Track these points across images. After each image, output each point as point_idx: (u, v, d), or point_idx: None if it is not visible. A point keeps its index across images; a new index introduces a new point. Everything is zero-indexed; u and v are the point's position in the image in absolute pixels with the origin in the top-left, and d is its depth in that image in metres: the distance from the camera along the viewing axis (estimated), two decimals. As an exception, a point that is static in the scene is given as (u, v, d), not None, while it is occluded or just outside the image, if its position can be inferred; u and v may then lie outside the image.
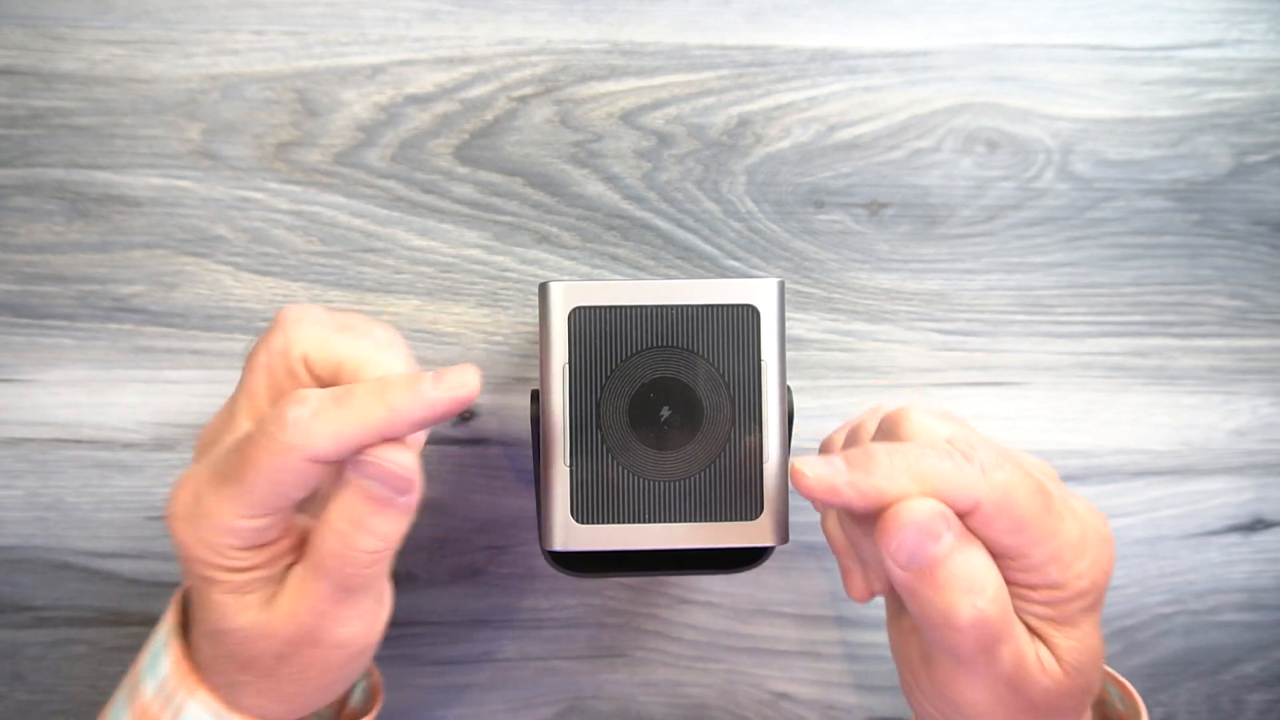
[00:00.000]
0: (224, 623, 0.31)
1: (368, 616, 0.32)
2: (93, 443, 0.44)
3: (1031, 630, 0.32)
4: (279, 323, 0.33)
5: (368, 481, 0.30)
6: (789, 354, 0.46)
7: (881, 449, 0.30)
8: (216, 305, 0.44)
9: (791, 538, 0.38)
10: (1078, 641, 0.32)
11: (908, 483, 0.30)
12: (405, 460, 0.30)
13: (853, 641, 0.47)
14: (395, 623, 0.46)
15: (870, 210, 0.46)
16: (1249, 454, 0.47)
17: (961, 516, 0.30)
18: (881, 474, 0.30)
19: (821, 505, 0.33)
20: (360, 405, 0.29)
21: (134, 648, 0.44)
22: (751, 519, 0.37)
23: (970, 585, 0.29)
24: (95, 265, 0.44)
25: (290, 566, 0.32)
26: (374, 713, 0.39)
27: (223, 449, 0.31)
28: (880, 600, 0.36)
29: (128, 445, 0.44)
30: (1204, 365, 0.47)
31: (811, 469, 0.30)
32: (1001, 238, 0.46)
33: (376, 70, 0.45)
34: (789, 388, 0.39)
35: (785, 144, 0.46)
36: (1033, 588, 0.31)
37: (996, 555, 0.30)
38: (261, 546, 0.31)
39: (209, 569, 0.31)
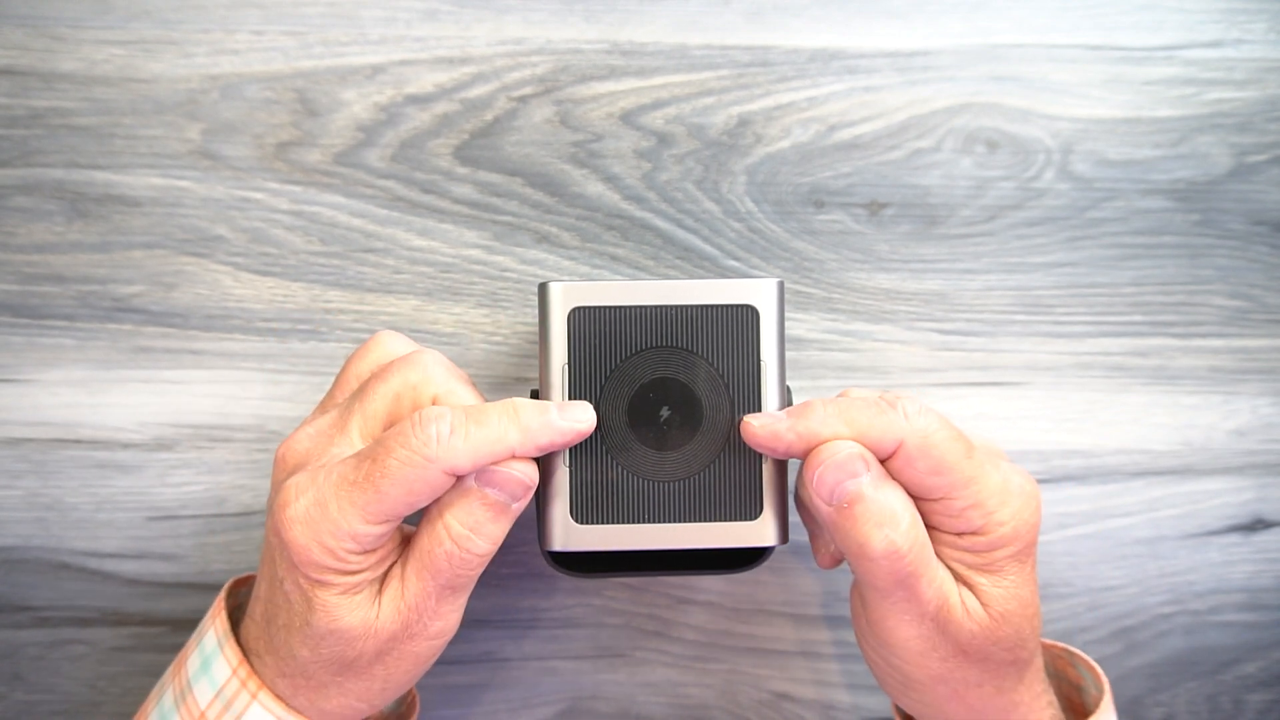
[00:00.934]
0: (333, 624, 0.33)
1: (459, 610, 0.35)
2: (92, 443, 0.44)
3: (959, 577, 0.35)
4: (415, 362, 0.35)
5: (491, 490, 0.33)
6: (789, 354, 0.46)
7: (818, 401, 0.35)
8: (216, 305, 0.44)
9: (791, 538, 0.38)
10: (1004, 590, 0.35)
11: (839, 425, 0.34)
12: (529, 470, 0.34)
13: (853, 642, 0.47)
14: (395, 623, 0.46)
15: (870, 210, 0.46)
16: (1249, 454, 0.47)
17: (887, 459, 0.34)
18: (816, 418, 0.34)
19: (769, 453, 0.36)
20: (497, 425, 0.33)
21: (133, 648, 0.44)
22: (751, 519, 0.37)
23: (883, 519, 0.33)
24: (95, 265, 0.44)
25: (390, 567, 0.34)
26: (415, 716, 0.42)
27: (349, 460, 0.33)
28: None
29: (127, 445, 0.44)
30: (1204, 365, 0.47)
31: (758, 420, 0.35)
32: (1001, 238, 0.46)
33: (376, 70, 0.45)
34: (789, 388, 0.39)
35: (785, 144, 0.46)
36: (958, 534, 0.34)
37: (920, 498, 0.34)
38: (374, 550, 0.33)
39: (324, 572, 0.33)
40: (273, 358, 0.45)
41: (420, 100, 0.45)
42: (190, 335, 0.44)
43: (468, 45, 0.45)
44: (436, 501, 0.34)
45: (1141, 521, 0.47)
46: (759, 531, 0.37)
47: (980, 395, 0.47)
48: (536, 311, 0.43)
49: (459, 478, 0.33)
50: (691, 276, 0.46)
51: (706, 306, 0.36)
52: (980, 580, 0.35)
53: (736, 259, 0.46)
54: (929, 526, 0.35)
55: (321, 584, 0.33)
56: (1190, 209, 0.47)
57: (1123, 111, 0.47)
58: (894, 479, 0.34)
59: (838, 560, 0.39)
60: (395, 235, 0.45)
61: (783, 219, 0.46)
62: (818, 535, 0.40)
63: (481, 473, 0.33)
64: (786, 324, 0.46)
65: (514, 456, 0.33)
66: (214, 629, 0.36)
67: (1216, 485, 0.47)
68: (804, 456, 0.35)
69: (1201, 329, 0.47)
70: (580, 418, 0.35)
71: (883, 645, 0.36)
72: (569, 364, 0.36)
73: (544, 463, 0.37)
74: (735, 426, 0.36)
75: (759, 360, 0.37)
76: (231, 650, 0.35)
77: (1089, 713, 0.38)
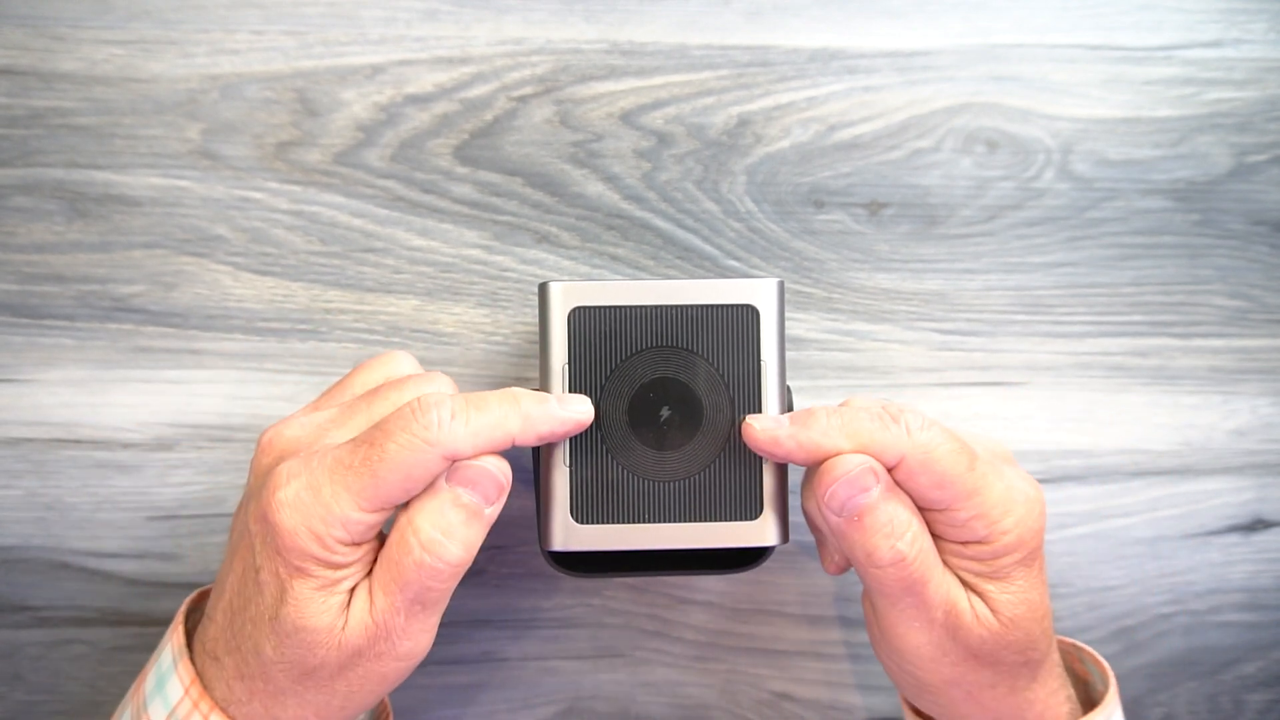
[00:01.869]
0: (301, 619, 0.32)
1: (430, 631, 0.34)
2: (92, 443, 0.44)
3: (968, 585, 0.35)
4: (433, 379, 0.36)
5: (462, 490, 0.32)
6: (789, 354, 0.46)
7: (821, 410, 0.35)
8: (216, 305, 0.44)
9: (791, 538, 0.38)
10: (1013, 595, 0.35)
11: (840, 439, 0.34)
12: (503, 467, 0.33)
13: (853, 641, 0.47)
14: (395, 623, 0.46)
15: (870, 210, 0.46)
16: (1249, 454, 0.47)
17: (889, 471, 0.34)
18: (818, 429, 0.34)
19: (768, 457, 0.36)
20: (497, 411, 0.33)
21: (133, 648, 0.44)
22: (751, 519, 0.37)
23: (891, 530, 0.33)
24: (95, 265, 0.44)
25: (361, 581, 0.33)
26: None
27: (345, 445, 0.32)
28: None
29: (127, 445, 0.44)
30: (1204, 365, 0.47)
31: (759, 423, 0.35)
32: (1001, 238, 0.46)
33: (376, 70, 0.45)
34: (789, 388, 0.39)
35: (785, 144, 0.46)
36: (963, 543, 0.35)
37: (925, 509, 0.35)
38: (360, 544, 0.32)
39: (307, 560, 0.31)
40: (273, 358, 0.45)
41: (420, 100, 0.45)
42: (190, 335, 0.44)
43: (468, 45, 0.45)
44: (404, 508, 0.33)
45: (1141, 521, 0.47)
46: (759, 531, 0.37)
47: (980, 395, 0.47)
48: (536, 311, 0.43)
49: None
50: (691, 276, 0.46)
51: (706, 306, 0.36)
52: (988, 587, 0.35)
53: (736, 259, 0.46)
54: (935, 535, 0.35)
55: (300, 573, 0.32)
56: (1190, 209, 0.47)
57: (1122, 111, 0.47)
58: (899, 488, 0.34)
59: (845, 566, 0.40)
60: (395, 235, 0.45)
61: (783, 219, 0.46)
62: (824, 542, 0.40)
63: (453, 470, 0.32)
64: (786, 324, 0.46)
65: (514, 444, 0.33)
66: (170, 646, 0.35)
67: (1216, 485, 0.47)
68: (803, 465, 0.35)
69: (1201, 329, 0.47)
70: (580, 409, 0.35)
71: (895, 651, 0.36)
72: (569, 364, 0.36)
73: (544, 463, 0.37)
74: (735, 426, 0.36)
75: (759, 360, 0.37)
76: (185, 669, 0.34)
77: (1095, 706, 0.39)
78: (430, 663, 0.46)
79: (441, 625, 0.46)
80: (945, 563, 0.35)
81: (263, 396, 0.45)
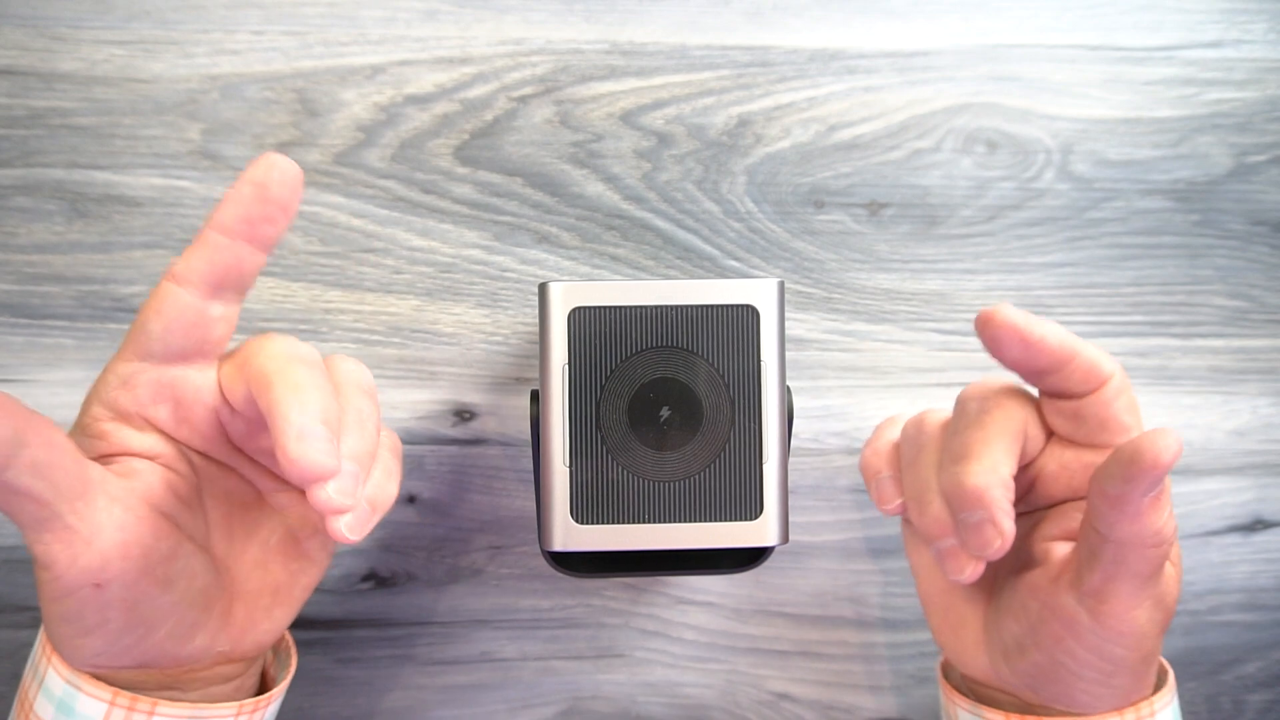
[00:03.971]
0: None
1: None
2: (93, 443, 0.44)
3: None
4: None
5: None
6: (789, 354, 0.46)
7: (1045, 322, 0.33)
8: (216, 305, 0.44)
9: (791, 538, 0.38)
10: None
11: (1073, 341, 0.33)
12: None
13: (853, 642, 0.47)
14: (395, 623, 0.46)
15: (870, 210, 0.46)
16: (1249, 454, 0.47)
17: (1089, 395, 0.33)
18: (1052, 330, 0.33)
19: (1019, 347, 0.33)
20: (214, 223, 0.31)
21: (134, 648, 0.44)
22: (751, 519, 0.37)
23: (1170, 506, 0.31)
24: (95, 265, 0.44)
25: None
26: (290, 672, 0.38)
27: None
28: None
29: (128, 445, 0.44)
30: (1204, 365, 0.47)
31: (1008, 309, 0.33)
32: (1001, 238, 0.46)
33: (376, 70, 0.45)
34: (789, 388, 0.39)
35: (785, 144, 0.46)
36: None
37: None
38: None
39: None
40: (273, 358, 0.45)
41: (420, 100, 0.45)
42: (190, 335, 0.44)
43: (468, 45, 0.45)
44: None
45: (1141, 521, 0.47)
46: (759, 531, 0.37)
47: (980, 395, 0.47)
48: (536, 311, 0.43)
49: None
50: (691, 276, 0.46)
51: (706, 306, 0.36)
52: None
53: (736, 259, 0.46)
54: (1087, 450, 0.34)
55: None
56: (1190, 209, 0.47)
57: (1122, 111, 0.47)
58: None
59: (978, 574, 0.34)
60: (395, 235, 0.45)
61: (783, 219, 0.46)
62: (883, 482, 0.37)
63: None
64: (786, 324, 0.46)
65: (235, 247, 0.31)
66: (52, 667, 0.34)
67: (1216, 485, 0.47)
68: (1040, 374, 0.33)
69: (1201, 329, 0.47)
70: (278, 167, 0.31)
71: (1108, 640, 0.33)
72: (569, 364, 0.36)
73: (544, 463, 0.37)
74: (735, 426, 0.36)
75: (759, 360, 0.37)
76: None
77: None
78: (430, 663, 0.46)
79: (442, 625, 0.46)
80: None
81: (263, 396, 0.45)
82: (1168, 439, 0.30)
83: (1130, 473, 0.30)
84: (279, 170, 0.31)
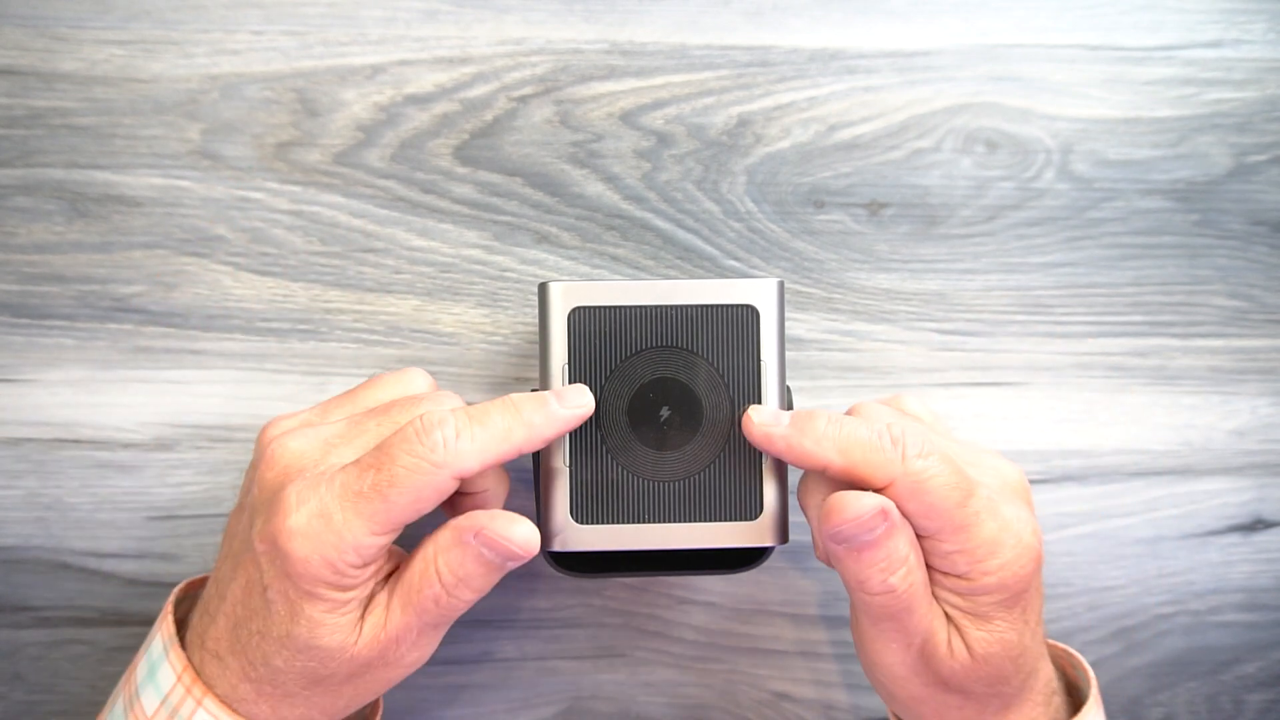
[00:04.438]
0: (315, 640, 0.32)
1: (436, 643, 0.35)
2: (92, 443, 0.44)
3: (950, 618, 0.35)
4: (441, 398, 0.36)
5: (485, 549, 0.33)
6: (789, 354, 0.46)
7: (823, 416, 0.35)
8: (216, 305, 0.44)
9: (791, 538, 0.38)
10: (988, 634, 0.35)
11: (832, 452, 0.34)
12: (530, 537, 0.33)
13: (852, 642, 0.47)
14: (395, 623, 0.46)
15: (870, 210, 0.46)
16: (1249, 454, 0.47)
17: (880, 491, 0.34)
18: (811, 439, 0.34)
19: (762, 451, 0.36)
20: (500, 423, 0.33)
21: (134, 648, 0.44)
22: (751, 519, 0.37)
23: (887, 565, 0.33)
24: (95, 265, 0.44)
25: (377, 591, 0.34)
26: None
27: (350, 468, 0.32)
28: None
29: (127, 445, 0.44)
30: (1203, 365, 0.47)
31: (758, 416, 0.35)
32: (1001, 238, 0.46)
33: (376, 70, 0.45)
34: (789, 388, 0.39)
35: (785, 144, 0.46)
36: (945, 574, 0.35)
37: (917, 535, 0.34)
38: (372, 564, 0.33)
39: (320, 586, 0.32)
40: (273, 358, 0.45)
41: (420, 100, 0.45)
42: (190, 335, 0.44)
43: (468, 45, 0.45)
44: (431, 538, 0.34)
45: (1141, 521, 0.47)
46: (759, 531, 0.37)
47: (980, 395, 0.47)
48: (536, 311, 0.43)
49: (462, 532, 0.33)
50: (691, 276, 0.46)
51: (706, 306, 0.36)
52: (965, 623, 0.35)
53: (736, 259, 0.46)
54: (926, 561, 0.35)
55: (312, 597, 0.32)
56: (1190, 209, 0.47)
57: (1122, 111, 0.47)
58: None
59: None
60: (395, 235, 0.45)
61: (783, 219, 0.46)
62: (818, 531, 0.40)
63: (483, 536, 0.33)
64: (786, 324, 0.46)
65: (520, 454, 0.33)
66: (160, 635, 0.36)
67: (1216, 485, 0.47)
68: (794, 465, 0.36)
69: (1201, 329, 0.47)
70: (580, 402, 0.35)
71: (871, 663, 0.37)
72: (569, 364, 0.36)
73: (544, 463, 0.37)
74: (735, 426, 0.36)
75: (759, 360, 0.37)
76: (177, 656, 0.34)
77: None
78: (430, 663, 0.46)
79: (441, 625, 0.46)
80: (934, 592, 0.35)
81: (263, 396, 0.45)
82: (860, 504, 0.33)
83: (824, 527, 0.34)
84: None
